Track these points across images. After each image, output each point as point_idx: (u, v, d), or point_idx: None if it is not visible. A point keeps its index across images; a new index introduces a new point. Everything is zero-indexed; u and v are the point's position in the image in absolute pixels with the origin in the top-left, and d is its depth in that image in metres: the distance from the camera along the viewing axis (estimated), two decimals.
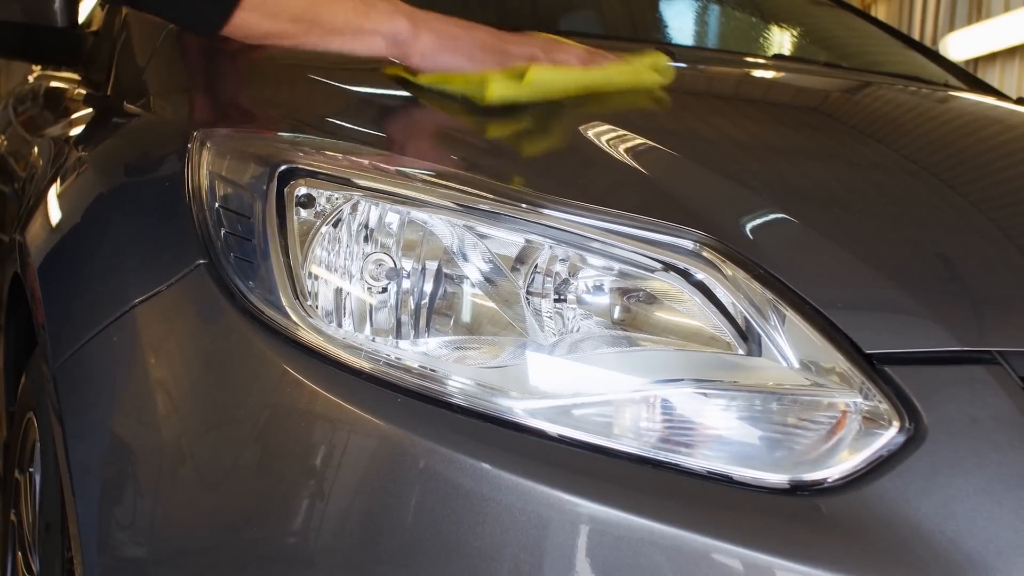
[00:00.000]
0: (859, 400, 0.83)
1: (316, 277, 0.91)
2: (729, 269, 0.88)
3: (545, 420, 0.82)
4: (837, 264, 0.92)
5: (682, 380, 0.84)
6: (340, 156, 0.97)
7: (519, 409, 0.83)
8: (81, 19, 1.72)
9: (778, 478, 0.80)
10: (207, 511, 0.86)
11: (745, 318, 0.86)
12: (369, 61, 1.34)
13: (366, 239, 0.91)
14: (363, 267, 0.90)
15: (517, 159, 1.07)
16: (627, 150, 1.07)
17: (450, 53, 1.23)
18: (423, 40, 1.22)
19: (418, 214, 0.91)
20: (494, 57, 1.24)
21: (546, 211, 0.91)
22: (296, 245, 0.91)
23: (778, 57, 2.21)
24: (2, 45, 1.59)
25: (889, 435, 0.81)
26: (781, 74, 1.85)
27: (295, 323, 0.88)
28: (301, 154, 0.98)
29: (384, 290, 0.89)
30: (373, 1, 1.23)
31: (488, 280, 0.89)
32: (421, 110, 1.25)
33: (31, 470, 1.35)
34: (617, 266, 0.89)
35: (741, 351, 0.86)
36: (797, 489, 0.80)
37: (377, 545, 0.80)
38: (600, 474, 0.80)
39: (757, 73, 1.87)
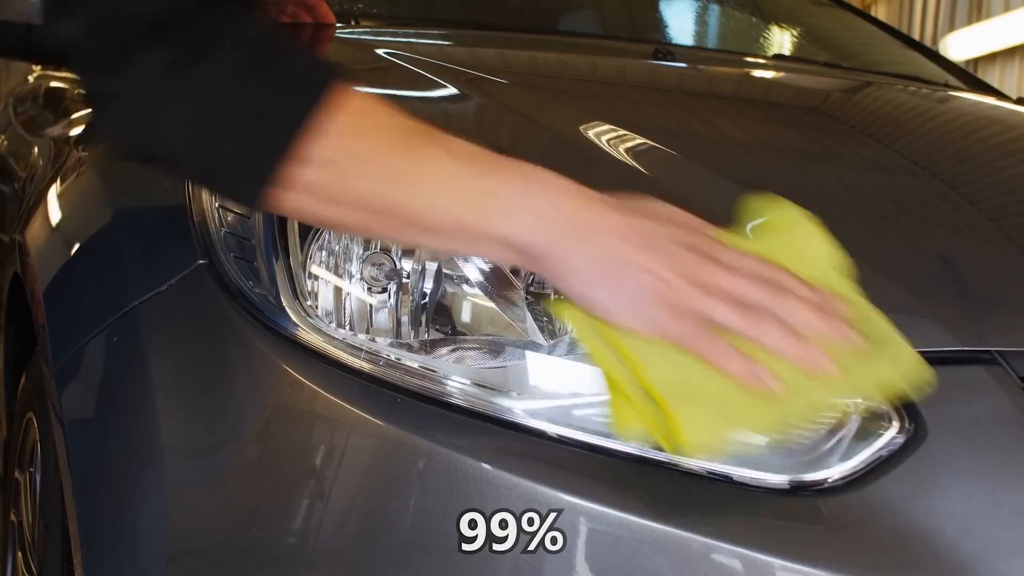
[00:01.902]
0: (859, 400, 0.83)
1: (316, 277, 0.90)
2: None
3: (545, 420, 0.82)
4: None
5: None
6: None
7: (519, 409, 0.83)
8: None
9: (778, 478, 0.80)
10: (207, 511, 0.86)
11: None
12: (376, 57, 1.33)
13: (366, 239, 0.90)
14: (363, 267, 0.90)
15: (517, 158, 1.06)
16: (627, 150, 1.07)
17: (601, 287, 0.77)
18: (561, 257, 0.77)
19: None
20: (674, 304, 0.75)
21: None
22: (296, 245, 0.91)
23: (778, 57, 2.21)
24: (2, 45, 1.59)
25: (889, 435, 0.81)
26: (781, 74, 1.85)
27: (295, 323, 0.88)
28: None
29: (384, 290, 0.89)
30: (497, 169, 0.79)
31: (488, 280, 0.89)
32: (419, 107, 1.25)
33: (31, 470, 1.35)
34: None
35: None
36: (797, 489, 0.80)
37: (377, 545, 0.80)
38: (600, 474, 0.80)
39: (757, 73, 1.87)
